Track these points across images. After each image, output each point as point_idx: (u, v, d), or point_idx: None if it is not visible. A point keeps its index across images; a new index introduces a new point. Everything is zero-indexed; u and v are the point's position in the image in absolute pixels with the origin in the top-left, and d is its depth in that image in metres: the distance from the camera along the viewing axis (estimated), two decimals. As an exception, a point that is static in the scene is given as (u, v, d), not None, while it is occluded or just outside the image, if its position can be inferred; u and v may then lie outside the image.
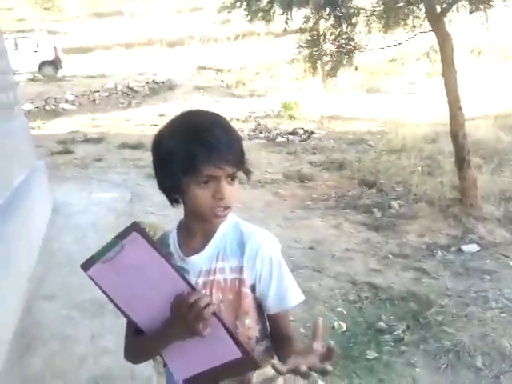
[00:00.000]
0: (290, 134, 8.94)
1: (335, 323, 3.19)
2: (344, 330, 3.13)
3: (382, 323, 3.17)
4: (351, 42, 5.32)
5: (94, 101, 13.77)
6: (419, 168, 6.36)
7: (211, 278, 1.16)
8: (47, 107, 12.65)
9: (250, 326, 1.19)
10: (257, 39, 20.14)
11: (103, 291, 1.04)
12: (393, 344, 2.96)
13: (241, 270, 1.16)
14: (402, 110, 10.87)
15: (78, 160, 7.41)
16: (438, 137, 8.28)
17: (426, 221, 4.85)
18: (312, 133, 9.08)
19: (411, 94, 13.73)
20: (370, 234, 4.68)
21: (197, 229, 1.19)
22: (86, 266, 1.01)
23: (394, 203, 5.37)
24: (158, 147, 1.15)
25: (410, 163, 6.60)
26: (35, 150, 5.14)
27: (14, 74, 14.86)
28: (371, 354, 2.87)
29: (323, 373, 0.99)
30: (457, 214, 4.84)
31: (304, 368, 0.96)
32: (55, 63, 17.60)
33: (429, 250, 4.30)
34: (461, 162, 4.87)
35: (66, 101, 13.19)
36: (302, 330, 3.12)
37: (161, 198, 1.19)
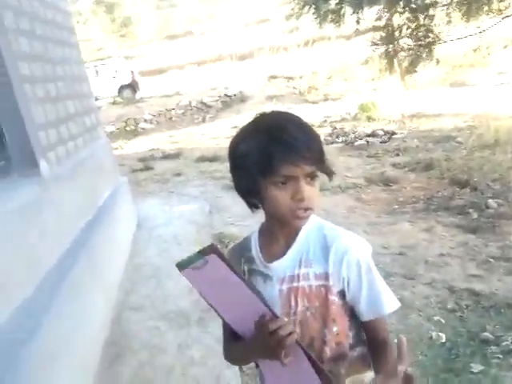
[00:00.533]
0: (369, 136, 8.62)
1: (433, 334, 2.94)
2: (444, 340, 2.87)
3: (486, 333, 2.87)
4: (430, 34, 5.02)
5: (171, 118, 14.26)
6: (517, 163, 5.82)
7: (295, 284, 1.13)
8: (127, 128, 13.26)
9: (338, 332, 1.15)
10: (327, 44, 19.93)
11: (197, 290, 1.06)
12: (501, 356, 2.66)
13: (326, 276, 1.12)
14: (491, 103, 10.13)
15: (157, 176, 7.63)
16: (536, 128, 7.62)
17: (529, 220, 4.40)
18: (393, 133, 8.69)
19: (501, 85, 12.78)
20: (466, 237, 4.30)
21: (278, 232, 1.16)
22: (180, 267, 1.03)
23: (492, 202, 4.92)
24: (233, 151, 1.12)
25: (507, 158, 6.07)
26: (118, 168, 5.33)
27: (96, 99, 15.85)
28: (476, 367, 2.60)
29: None
30: None
31: None
32: (133, 86, 18.56)
33: (535, 251, 3.87)
34: None
35: (145, 120, 13.76)
36: (395, 341, 2.90)
37: (240, 207, 1.13)
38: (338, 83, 15.57)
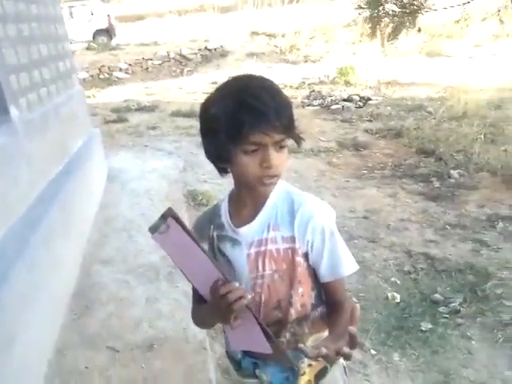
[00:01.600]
0: (345, 100, 8.67)
1: (389, 294, 3.13)
2: (398, 300, 3.07)
3: (437, 295, 3.08)
4: (415, 2, 5.01)
5: (147, 69, 13.92)
6: (482, 136, 6.01)
7: (263, 248, 1.16)
8: (101, 76, 12.90)
9: (303, 294, 1.19)
10: (312, 2, 19.53)
11: (167, 253, 1.08)
12: (448, 316, 2.88)
13: (293, 239, 1.15)
14: (464, 75, 10.29)
15: (131, 128, 7.56)
16: (504, 103, 7.82)
17: (487, 191, 4.61)
18: (368, 99, 8.78)
19: (475, 57, 12.93)
20: (427, 204, 4.51)
21: (247, 198, 1.17)
22: (150, 231, 1.05)
23: (454, 172, 5.13)
24: (204, 114, 1.11)
25: (472, 131, 6.26)
26: (91, 119, 5.26)
27: (70, 42, 15.19)
28: (426, 326, 2.81)
29: (346, 357, 0.98)
30: (521, 184, 4.57)
31: (324, 351, 0.97)
32: (109, 31, 17.89)
33: (489, 221, 4.08)
34: (529, 128, 4.55)
35: (120, 69, 13.39)
36: (354, 300, 3.09)
37: (213, 166, 1.17)
38: (319, 44, 15.41)
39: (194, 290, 1.18)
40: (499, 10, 4.83)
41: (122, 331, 2.67)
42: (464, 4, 4.85)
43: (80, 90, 4.82)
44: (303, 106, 8.54)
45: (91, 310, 2.87)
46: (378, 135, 6.81)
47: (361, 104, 8.51)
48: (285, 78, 11.08)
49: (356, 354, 2.70)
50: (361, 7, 5.17)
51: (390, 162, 5.72)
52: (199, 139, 1.18)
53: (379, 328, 2.83)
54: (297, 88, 10.21)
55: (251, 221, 1.17)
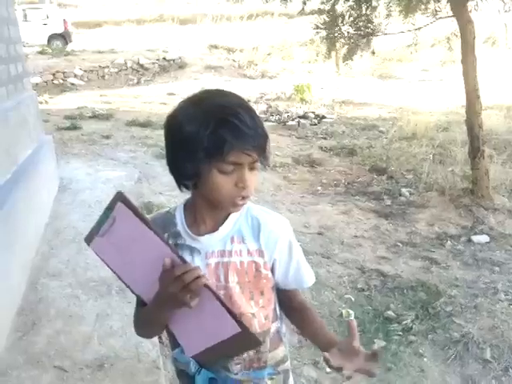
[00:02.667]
0: (300, 117, 8.81)
1: (343, 311, 3.17)
2: (352, 318, 3.10)
3: (390, 312, 3.15)
4: (370, 25, 5.19)
5: (103, 76, 13.64)
6: (430, 156, 6.26)
7: (226, 259, 1.13)
8: (55, 81, 12.53)
9: (264, 305, 1.19)
10: (270, 19, 19.85)
11: (106, 264, 1.03)
12: (401, 333, 2.94)
13: (259, 252, 1.15)
14: (414, 98, 10.72)
15: (85, 136, 7.34)
16: (450, 126, 8.18)
17: (436, 210, 4.79)
18: (323, 117, 8.96)
19: (424, 81, 13.52)
20: (379, 221, 4.62)
21: (206, 214, 1.15)
22: (88, 239, 1.01)
23: (405, 191, 5.30)
24: (177, 129, 1.05)
25: (422, 151, 6.51)
26: (42, 125, 5.07)
27: (23, 46, 14.62)
28: (379, 343, 2.85)
29: (370, 374, 1.06)
30: (467, 204, 4.78)
31: (348, 373, 1.03)
32: (64, 36, 17.43)
33: (438, 239, 4.24)
34: (475, 152, 4.77)
35: (75, 75, 13.05)
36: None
37: (170, 177, 1.14)
38: (276, 61, 15.66)
39: (137, 298, 1.14)
40: (448, 38, 5.07)
41: (70, 349, 2.55)
42: (415, 30, 5.06)
43: (32, 95, 4.64)
44: (260, 121, 8.60)
45: (38, 327, 2.72)
46: (332, 152, 6.95)
47: (316, 121, 8.67)
48: (242, 92, 11.12)
49: (310, 371, 2.70)
50: (318, 27, 5.28)
51: (344, 179, 5.85)
52: (155, 149, 1.15)
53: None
54: (255, 102, 10.29)
55: (212, 231, 1.14)
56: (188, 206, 1.18)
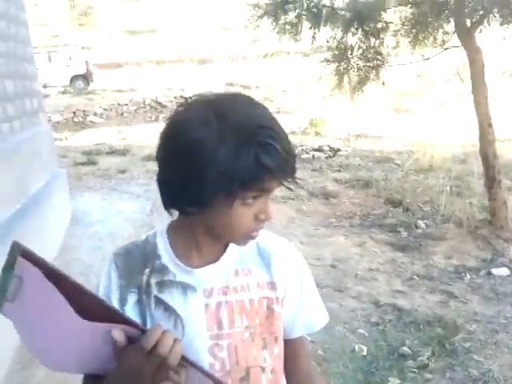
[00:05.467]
0: (315, 150, 8.80)
1: (356, 346, 3.03)
2: (365, 353, 2.97)
3: (405, 348, 3.00)
4: (379, 57, 5.22)
5: (122, 114, 13.95)
6: (447, 188, 6.13)
7: (230, 298, 0.90)
8: (76, 119, 12.85)
9: (278, 356, 0.95)
10: (286, 58, 20.23)
11: (21, 336, 0.74)
12: (417, 371, 2.79)
13: (271, 284, 0.92)
14: (430, 130, 10.65)
15: (100, 171, 7.44)
16: (468, 157, 8.04)
17: (453, 242, 4.64)
18: (338, 150, 8.94)
19: (440, 114, 13.48)
20: (395, 254, 4.49)
21: (203, 243, 0.91)
22: None
23: (421, 223, 5.17)
24: (192, 146, 0.78)
25: (438, 183, 6.38)
26: (58, 160, 5.15)
27: (46, 86, 15.11)
28: (393, 381, 2.70)
29: None
30: (486, 236, 4.63)
31: None
32: (86, 77, 17.99)
33: (456, 272, 4.09)
34: (491, 181, 4.66)
35: (95, 113, 13.37)
36: (320, 352, 2.98)
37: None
38: (291, 97, 15.84)
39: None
40: (458, 68, 5.06)
41: (69, 382, 2.47)
42: (424, 60, 5.06)
43: (47, 129, 4.74)
44: (275, 155, 8.61)
45: (35, 364, 2.66)
46: (347, 185, 6.87)
47: (331, 154, 8.64)
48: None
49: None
50: (328, 60, 5.32)
51: (359, 211, 5.74)
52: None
53: (345, 382, 2.70)
54: (269, 137, 10.37)
55: (212, 262, 0.91)
56: (175, 232, 0.93)
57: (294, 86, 16.44)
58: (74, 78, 17.64)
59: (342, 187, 6.79)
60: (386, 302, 3.60)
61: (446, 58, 5.56)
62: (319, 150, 8.83)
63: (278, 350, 0.94)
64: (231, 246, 0.92)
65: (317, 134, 10.38)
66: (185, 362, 0.76)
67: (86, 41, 27.52)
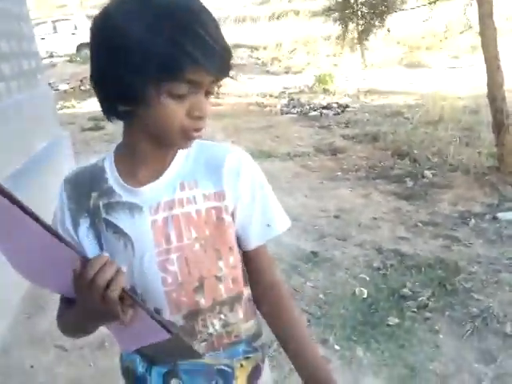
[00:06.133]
0: (323, 108, 8.68)
1: (356, 289, 3.04)
2: (365, 296, 2.98)
3: (405, 290, 2.99)
4: (384, 3, 5.04)
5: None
6: (457, 139, 6.01)
7: (176, 211, 0.88)
8: (82, 87, 12.79)
9: (235, 264, 0.94)
10: (295, 18, 19.74)
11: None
12: (416, 310, 2.79)
13: (220, 195, 0.90)
14: (442, 84, 10.38)
15: (107, 135, 7.44)
16: (480, 109, 7.83)
17: (460, 189, 4.57)
18: (346, 106, 8.80)
19: (453, 68, 13.11)
20: (399, 203, 4.45)
21: (150, 154, 0.88)
22: None
23: (428, 172, 5.09)
24: (116, 32, 0.76)
25: (447, 134, 6.26)
26: (58, 120, 5.14)
27: (52, 55, 14.96)
28: (392, 320, 2.72)
29: None
30: (493, 182, 4.54)
31: None
32: (93, 45, 17.81)
33: (461, 218, 4.03)
34: (499, 126, 4.53)
35: (102, 81, 13.31)
36: (321, 295, 3.01)
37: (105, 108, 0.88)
38: (300, 56, 15.52)
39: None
40: (465, 8, 4.86)
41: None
42: (430, 4, 4.86)
43: (46, 90, 4.73)
44: (282, 114, 8.53)
45: (44, 311, 2.74)
46: (354, 140, 6.78)
47: (339, 111, 8.51)
48: (265, 87, 11.10)
49: (319, 349, 2.60)
50: (330, 9, 5.17)
51: (365, 164, 5.68)
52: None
53: (344, 323, 2.73)
54: (276, 97, 10.22)
55: (156, 178, 0.89)
56: (120, 152, 0.92)
57: (303, 45, 16.09)
58: (80, 47, 17.47)
59: (349, 143, 6.70)
60: (388, 248, 3.58)
61: (457, 9, 5.32)
62: (327, 107, 8.71)
63: (234, 259, 0.94)
64: (176, 158, 0.91)
65: (325, 91, 10.22)
66: (130, 299, 0.74)
67: (92, 11, 27.15)
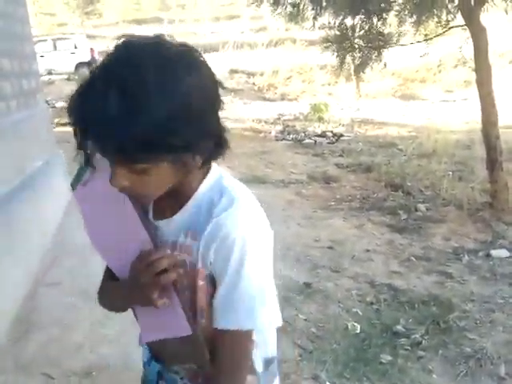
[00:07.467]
0: (318, 136, 8.77)
1: (349, 324, 3.01)
2: (358, 331, 2.95)
3: (399, 326, 2.97)
4: (381, 37, 5.14)
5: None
6: (450, 173, 6.07)
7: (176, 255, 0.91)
8: (79, 105, 12.86)
9: (205, 326, 0.92)
10: (291, 46, 20.05)
11: (84, 215, 0.93)
12: (409, 348, 2.76)
13: (203, 258, 0.88)
14: (435, 117, 10.55)
15: (103, 154, 7.44)
16: (473, 144, 7.94)
17: (453, 224, 4.59)
18: (341, 135, 8.89)
19: (447, 101, 13.33)
20: (393, 236, 4.45)
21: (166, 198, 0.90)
22: (73, 185, 0.93)
23: (421, 206, 5.12)
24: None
25: (441, 168, 6.32)
26: (54, 139, 5.11)
27: (51, 73, 15.07)
28: (385, 358, 2.68)
29: None
30: (486, 218, 4.57)
31: None
32: (91, 64, 17.94)
33: (455, 253, 4.04)
34: (492, 163, 4.59)
35: (99, 100, 13.37)
36: (313, 329, 2.97)
37: None
38: (296, 84, 15.73)
39: (107, 267, 1.01)
40: (461, 47, 4.95)
41: (60, 357, 2.49)
42: (430, 39, 4.96)
43: (44, 109, 4.73)
44: (277, 140, 8.58)
45: (30, 335, 2.67)
46: (348, 169, 6.82)
47: (333, 140, 8.60)
48: (261, 114, 11.18)
49: (311, 386, 2.55)
50: (328, 40, 5.25)
51: (359, 194, 5.70)
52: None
53: (337, 359, 2.69)
54: (272, 123, 10.31)
55: (169, 216, 0.92)
56: None
57: (299, 73, 16.32)
58: (78, 66, 17.63)
59: (343, 172, 6.75)
60: (381, 282, 3.57)
61: (452, 44, 5.42)
62: (322, 135, 8.79)
63: (205, 322, 0.92)
64: (195, 195, 0.91)
65: (320, 119, 10.33)
66: (170, 291, 0.86)
67: (92, 30, 27.48)
